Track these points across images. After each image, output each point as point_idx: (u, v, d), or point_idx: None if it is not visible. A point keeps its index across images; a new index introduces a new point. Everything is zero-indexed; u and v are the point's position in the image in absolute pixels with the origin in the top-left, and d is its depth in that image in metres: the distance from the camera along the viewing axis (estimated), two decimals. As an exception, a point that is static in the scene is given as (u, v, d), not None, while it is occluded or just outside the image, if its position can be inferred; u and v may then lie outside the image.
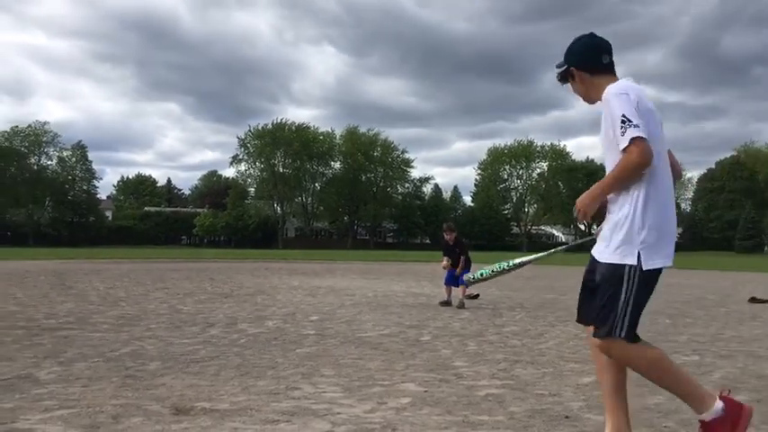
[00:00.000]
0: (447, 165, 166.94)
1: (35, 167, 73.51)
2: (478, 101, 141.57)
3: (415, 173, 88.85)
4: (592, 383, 4.28)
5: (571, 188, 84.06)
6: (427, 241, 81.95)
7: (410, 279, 16.75)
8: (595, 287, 2.74)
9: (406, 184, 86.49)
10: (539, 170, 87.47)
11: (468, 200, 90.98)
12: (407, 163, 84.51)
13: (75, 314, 7.90)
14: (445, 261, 9.96)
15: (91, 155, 78.62)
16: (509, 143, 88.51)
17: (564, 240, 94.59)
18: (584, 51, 2.89)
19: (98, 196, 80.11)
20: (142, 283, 13.63)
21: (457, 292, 9.64)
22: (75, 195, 74.93)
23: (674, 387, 2.72)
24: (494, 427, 3.28)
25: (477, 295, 10.81)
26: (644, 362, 2.70)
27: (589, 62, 2.87)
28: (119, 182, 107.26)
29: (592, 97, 2.88)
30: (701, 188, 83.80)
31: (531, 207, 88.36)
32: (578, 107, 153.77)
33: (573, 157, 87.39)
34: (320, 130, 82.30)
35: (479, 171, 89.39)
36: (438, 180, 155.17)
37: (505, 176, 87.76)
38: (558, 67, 2.96)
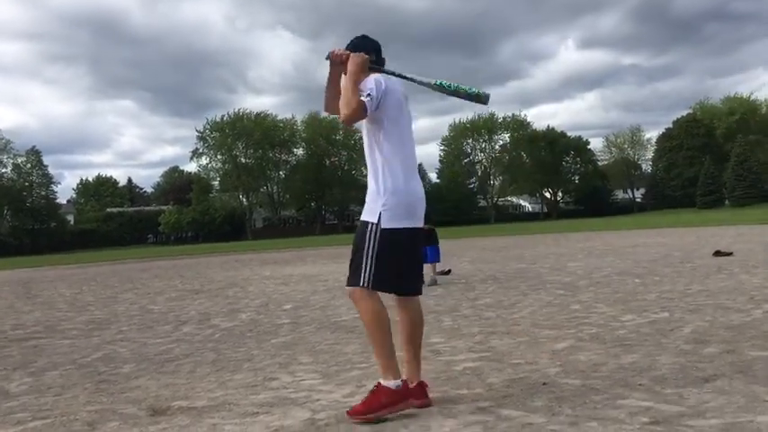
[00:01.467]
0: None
1: (-11, 176, 71.64)
2: (438, 77, 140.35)
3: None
4: (567, 348, 4.33)
5: (534, 157, 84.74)
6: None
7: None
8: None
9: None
10: (501, 142, 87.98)
11: (433, 177, 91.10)
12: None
13: (43, 323, 7.74)
14: None
15: (47, 159, 77.33)
16: (471, 117, 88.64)
17: (531, 210, 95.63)
18: (358, 49, 3.41)
19: (58, 201, 78.27)
20: (110, 285, 13.40)
21: (428, 270, 9.67)
22: (33, 202, 73.10)
23: (379, 346, 3.12)
24: (473, 399, 3.30)
25: (449, 271, 10.86)
26: (370, 314, 3.11)
27: None
28: (78, 185, 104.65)
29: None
30: (661, 148, 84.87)
31: (496, 179, 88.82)
32: (537, 76, 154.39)
33: (534, 126, 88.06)
34: (280, 118, 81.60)
35: (443, 147, 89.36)
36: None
37: (469, 150, 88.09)
38: None
